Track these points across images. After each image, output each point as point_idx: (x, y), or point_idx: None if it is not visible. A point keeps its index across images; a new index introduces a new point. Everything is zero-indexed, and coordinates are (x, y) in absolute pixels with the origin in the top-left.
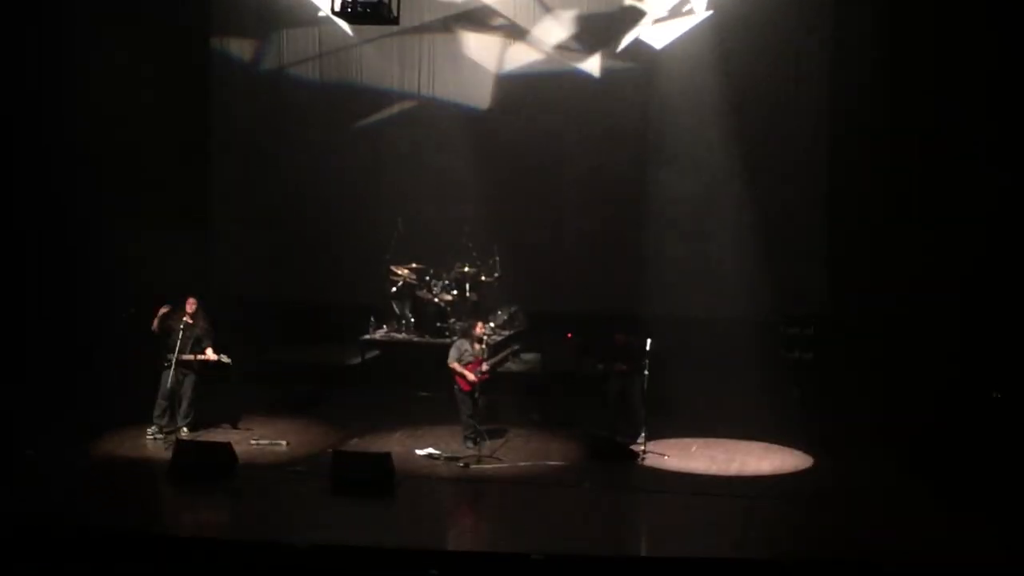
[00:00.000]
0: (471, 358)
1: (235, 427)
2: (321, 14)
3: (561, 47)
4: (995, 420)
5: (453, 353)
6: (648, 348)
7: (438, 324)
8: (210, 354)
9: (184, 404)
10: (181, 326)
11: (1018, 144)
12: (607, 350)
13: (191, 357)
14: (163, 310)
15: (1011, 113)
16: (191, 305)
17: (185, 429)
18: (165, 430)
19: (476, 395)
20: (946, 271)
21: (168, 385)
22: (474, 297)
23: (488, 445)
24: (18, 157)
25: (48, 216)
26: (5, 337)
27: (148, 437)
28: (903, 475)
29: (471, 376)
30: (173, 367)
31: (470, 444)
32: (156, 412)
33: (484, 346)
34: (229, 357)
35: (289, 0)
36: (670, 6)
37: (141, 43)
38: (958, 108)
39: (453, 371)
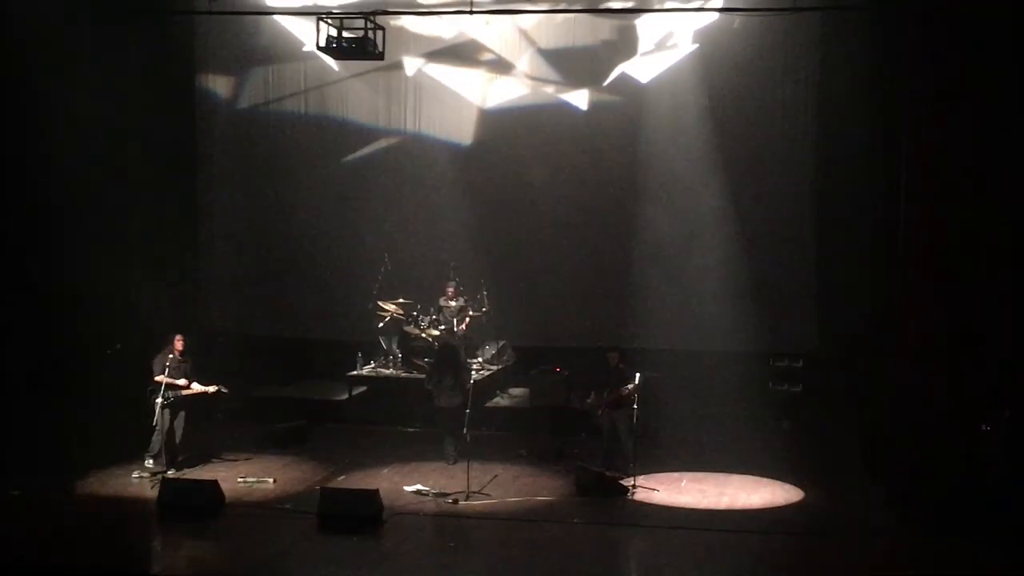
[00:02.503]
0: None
1: (223, 461)
2: (306, 49)
3: (547, 81)
4: (984, 453)
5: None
6: (638, 382)
7: (425, 360)
8: (199, 387)
9: (177, 441)
10: (171, 363)
11: (1008, 178)
12: (600, 374)
13: (187, 391)
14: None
15: (1001, 145)
16: (179, 342)
17: (151, 461)
18: (155, 469)
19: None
20: (935, 304)
21: (165, 422)
22: (462, 332)
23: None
24: (4, 193)
25: (33, 255)
26: None
27: (134, 477)
28: (892, 509)
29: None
30: (163, 404)
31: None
32: (153, 450)
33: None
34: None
35: (274, 36)
36: (656, 40)
37: (125, 82)
38: (947, 141)
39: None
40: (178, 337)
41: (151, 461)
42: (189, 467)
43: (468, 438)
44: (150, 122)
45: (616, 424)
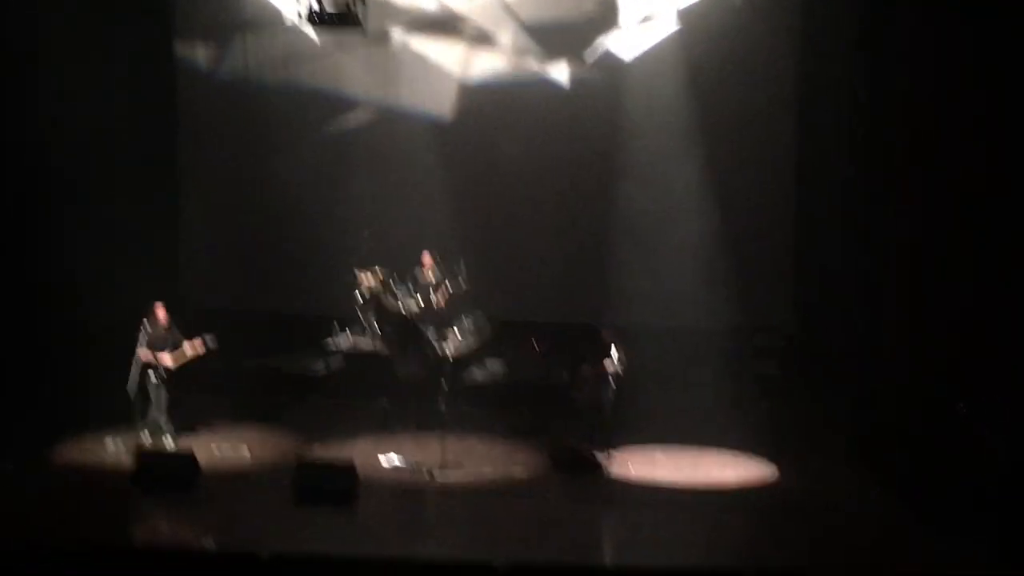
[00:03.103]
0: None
1: (198, 433)
2: (288, 23)
3: (529, 55)
4: (961, 432)
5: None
6: (614, 358)
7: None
8: (187, 348)
9: (163, 415)
10: (154, 336)
11: (996, 157)
12: (589, 348)
13: (175, 362)
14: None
15: (992, 125)
16: (160, 310)
17: (146, 433)
18: (155, 436)
19: None
20: (914, 284)
21: (161, 399)
22: (439, 305)
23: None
24: None
25: (10, 232)
26: None
27: (109, 448)
28: (868, 487)
29: None
30: (156, 383)
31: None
32: (159, 424)
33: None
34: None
35: (254, 7)
36: (639, 16)
37: (105, 52)
38: (934, 120)
39: None
40: (158, 305)
41: (168, 438)
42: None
43: (444, 411)
44: (129, 94)
45: (599, 398)
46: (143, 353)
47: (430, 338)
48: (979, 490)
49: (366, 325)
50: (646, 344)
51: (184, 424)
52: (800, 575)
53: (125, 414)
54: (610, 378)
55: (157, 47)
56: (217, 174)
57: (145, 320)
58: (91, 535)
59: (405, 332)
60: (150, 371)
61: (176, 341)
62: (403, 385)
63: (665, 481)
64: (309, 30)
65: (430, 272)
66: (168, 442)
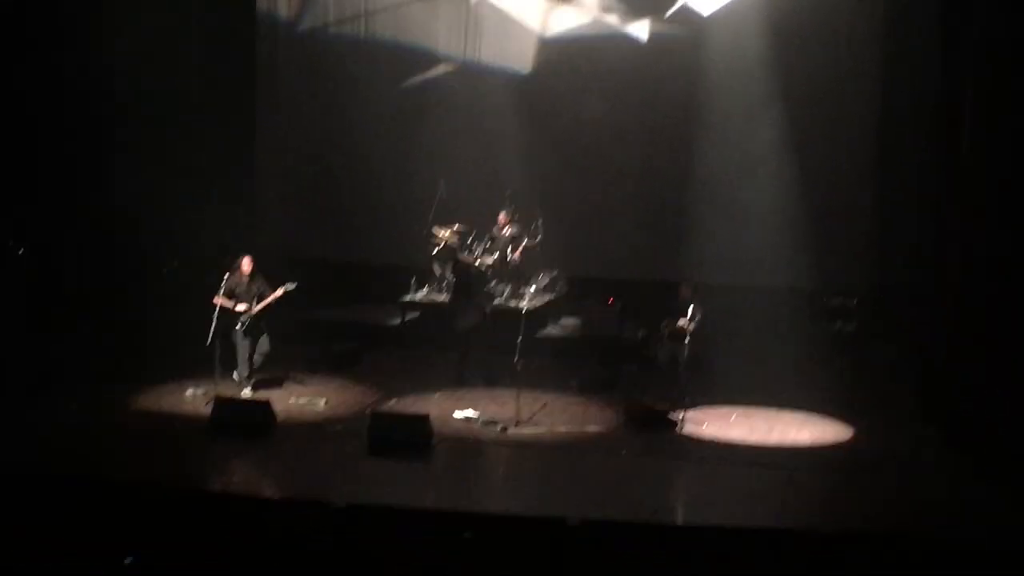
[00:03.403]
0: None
1: (281, 386)
2: None
3: (608, 10)
4: None
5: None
6: (691, 316)
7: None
8: (277, 294)
9: (258, 359)
10: (238, 287)
11: None
12: (665, 306)
13: (260, 309)
14: (218, 300)
15: None
16: (248, 264)
17: (249, 389)
18: (245, 383)
19: None
20: (995, 246)
21: (244, 347)
22: (516, 261)
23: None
24: (65, 115)
25: (91, 176)
26: (45, 291)
27: (188, 395)
28: (944, 447)
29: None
30: (240, 329)
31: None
32: (241, 374)
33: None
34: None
35: None
36: None
37: (185, 4)
38: (1015, 79)
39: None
40: (245, 259)
41: (248, 390)
42: (265, 387)
43: (519, 367)
44: (210, 44)
45: (676, 356)
46: (220, 300)
47: (501, 293)
48: None
49: (442, 279)
50: (722, 302)
51: (263, 373)
52: (873, 535)
53: (206, 362)
54: (685, 336)
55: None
56: (295, 126)
57: (228, 272)
58: (167, 478)
59: (470, 285)
60: (238, 324)
61: (261, 292)
62: (458, 335)
63: (739, 440)
64: None
65: (507, 229)
66: (246, 391)
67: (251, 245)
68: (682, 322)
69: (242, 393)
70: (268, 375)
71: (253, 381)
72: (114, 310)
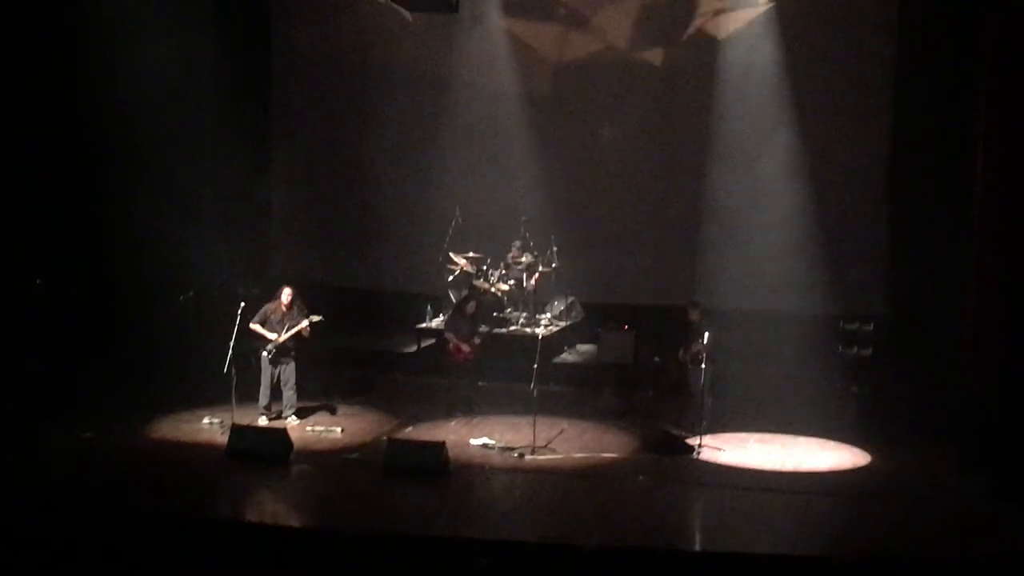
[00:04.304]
0: (464, 332)
1: (333, 414)
2: (383, 1)
3: (622, 35)
4: None
5: (447, 323)
6: (706, 341)
7: (495, 314)
8: (302, 325)
9: (289, 393)
10: (273, 317)
11: None
12: (681, 332)
13: (286, 338)
14: (254, 327)
15: None
16: (287, 295)
17: (294, 418)
18: (271, 417)
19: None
20: (1010, 268)
21: (268, 374)
22: (530, 287)
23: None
24: (82, 146)
25: (102, 203)
26: (61, 319)
27: (205, 423)
28: (960, 474)
29: (464, 348)
30: (267, 357)
31: (458, 414)
32: (262, 402)
33: (472, 323)
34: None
35: None
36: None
37: (199, 24)
38: None
39: (447, 340)
40: (286, 291)
41: (263, 419)
42: (301, 416)
43: (535, 393)
44: (224, 74)
45: (692, 381)
46: (254, 327)
47: (517, 320)
48: None
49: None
50: (737, 328)
51: (303, 402)
52: (890, 561)
53: (223, 391)
54: (701, 362)
55: (252, 23)
56: (309, 153)
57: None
58: (183, 506)
59: (458, 308)
60: (264, 351)
61: (294, 323)
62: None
63: (756, 466)
64: (403, 11)
65: (523, 256)
66: (263, 420)
67: (263, 273)
68: (697, 347)
69: (259, 421)
70: (304, 404)
71: (283, 412)
72: (130, 339)
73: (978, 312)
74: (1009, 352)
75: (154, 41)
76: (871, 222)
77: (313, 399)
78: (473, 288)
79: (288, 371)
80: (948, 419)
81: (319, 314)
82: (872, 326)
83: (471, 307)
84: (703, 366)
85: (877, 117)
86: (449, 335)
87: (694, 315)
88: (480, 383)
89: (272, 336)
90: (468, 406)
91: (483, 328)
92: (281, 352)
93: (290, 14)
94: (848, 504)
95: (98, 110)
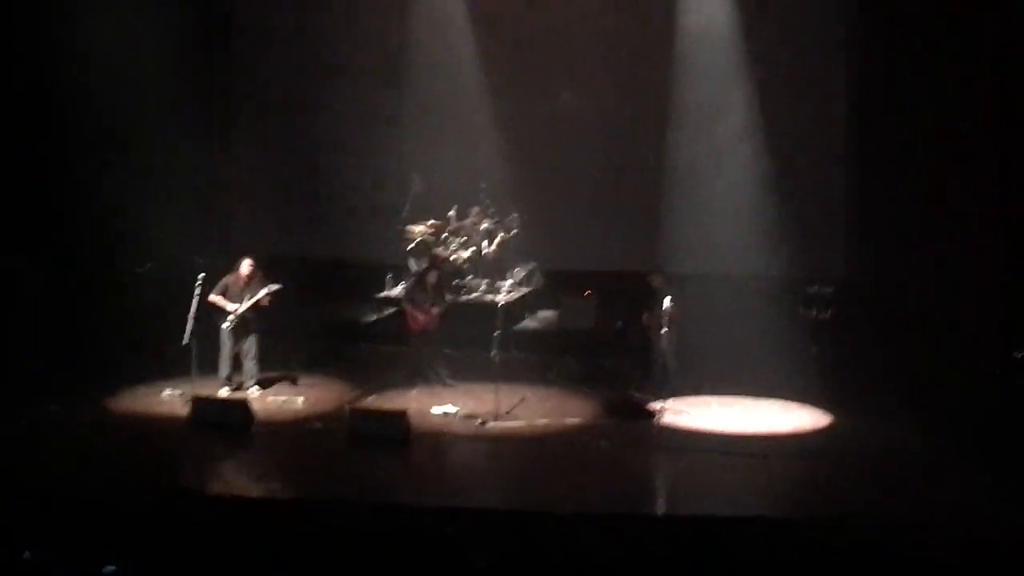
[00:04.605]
0: (422, 302)
1: (294, 384)
2: None
3: (580, 1)
4: (1017, 380)
5: (406, 295)
6: (668, 306)
7: (455, 282)
8: (260, 295)
9: (250, 364)
10: (231, 290)
11: None
12: (642, 297)
13: (246, 309)
14: (214, 299)
15: None
16: (247, 266)
17: (255, 389)
18: (232, 388)
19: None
20: (968, 231)
21: (227, 346)
22: (491, 254)
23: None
24: (30, 115)
25: (61, 175)
26: (19, 292)
27: (165, 395)
28: (921, 434)
29: (420, 317)
30: (228, 328)
31: (449, 383)
32: (222, 373)
33: (433, 295)
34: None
35: None
36: None
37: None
38: (991, 64)
39: (404, 311)
40: (246, 262)
41: (225, 390)
42: (262, 387)
43: (496, 360)
44: (182, 43)
45: (655, 345)
46: (213, 299)
47: (477, 287)
48: None
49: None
50: (699, 292)
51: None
52: (851, 522)
53: (183, 363)
54: (663, 326)
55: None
56: (268, 124)
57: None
58: (145, 477)
59: (419, 279)
60: (225, 323)
61: (254, 294)
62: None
63: (718, 429)
64: None
65: (482, 223)
66: (224, 390)
67: (222, 245)
68: (659, 312)
69: (220, 392)
70: (265, 375)
71: (244, 383)
72: (89, 311)
73: (936, 274)
74: (967, 314)
75: (113, 16)
76: (830, 185)
77: (274, 370)
78: (434, 257)
79: (249, 342)
80: (907, 380)
81: (278, 283)
82: (832, 288)
83: (432, 277)
84: (664, 330)
85: (835, 79)
86: (407, 306)
87: (657, 281)
88: (446, 351)
89: (232, 308)
90: (439, 378)
91: (448, 297)
92: (242, 323)
93: None
94: (810, 466)
95: (55, 86)
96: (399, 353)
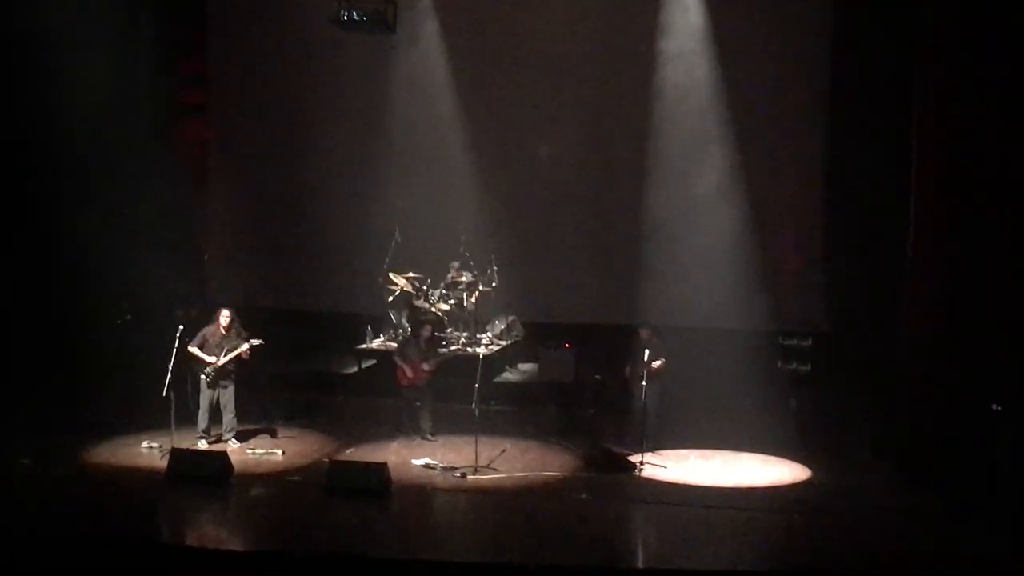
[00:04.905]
0: (415, 357)
1: (273, 436)
2: (318, 22)
3: (559, 56)
4: (993, 432)
5: (397, 348)
6: (652, 359)
7: (435, 334)
8: (241, 349)
9: (228, 416)
10: (211, 341)
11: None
12: (622, 350)
13: (226, 362)
14: (192, 351)
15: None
16: (226, 318)
17: (234, 441)
18: (210, 440)
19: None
20: (944, 283)
21: (206, 398)
22: (471, 307)
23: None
24: (5, 160)
25: (42, 227)
26: None
27: (144, 447)
28: (899, 487)
29: (408, 372)
30: (206, 381)
31: (429, 438)
32: (200, 425)
33: (426, 349)
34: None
35: (286, 8)
36: (667, 15)
37: (134, 54)
38: (962, 115)
39: (394, 364)
40: (224, 313)
41: (202, 442)
42: (241, 439)
43: (477, 413)
44: (161, 89)
45: (635, 398)
46: (191, 351)
47: (458, 339)
48: (1011, 488)
49: (398, 326)
50: (678, 345)
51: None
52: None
53: (161, 416)
54: (642, 379)
55: (188, 45)
56: (246, 174)
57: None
58: (123, 530)
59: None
60: (202, 374)
61: (233, 346)
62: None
63: (698, 482)
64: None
65: (462, 275)
66: (202, 443)
67: (201, 297)
68: (639, 365)
69: (198, 444)
70: (244, 427)
71: (222, 435)
72: (68, 362)
73: (913, 328)
74: (943, 367)
75: (91, 60)
76: (808, 239)
77: (253, 422)
78: (425, 312)
79: (227, 394)
80: (886, 434)
81: (258, 336)
82: (810, 342)
83: (427, 331)
84: (644, 383)
85: (812, 134)
86: (398, 359)
87: (644, 334)
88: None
89: (211, 360)
90: (421, 432)
91: (443, 349)
92: (220, 375)
93: (227, 33)
94: (789, 519)
95: (33, 129)
96: (379, 405)
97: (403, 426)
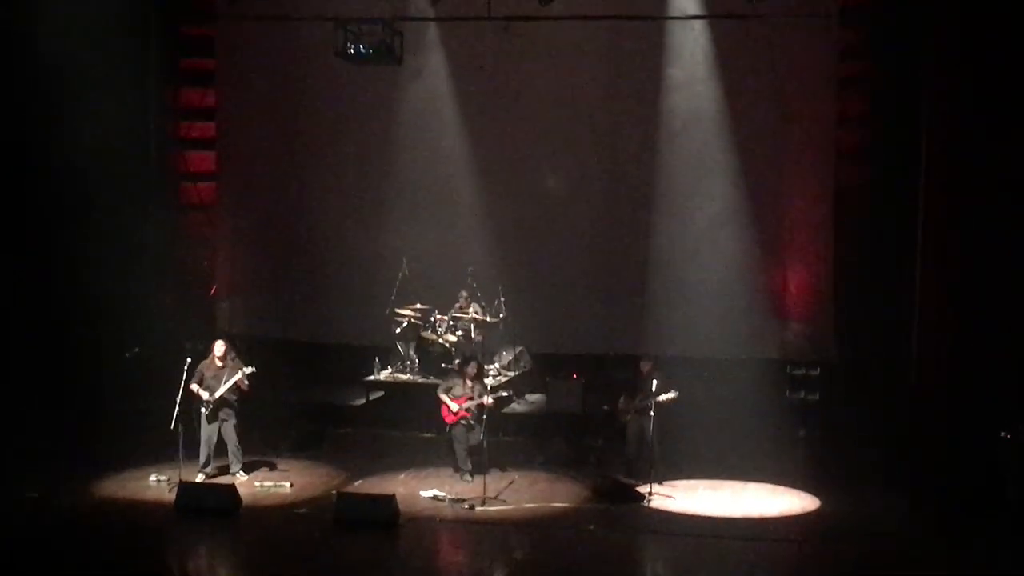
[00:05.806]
0: (460, 393)
1: (282, 469)
2: (325, 56)
3: (564, 88)
4: (1002, 460)
5: (443, 384)
6: (655, 389)
7: (443, 365)
8: (236, 378)
9: (233, 449)
10: (209, 373)
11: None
12: (629, 380)
13: (222, 393)
14: (193, 387)
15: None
16: (220, 348)
17: (242, 473)
18: (211, 475)
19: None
20: (953, 311)
21: (208, 432)
22: (479, 338)
23: (472, 480)
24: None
25: (50, 261)
26: (4, 376)
27: (152, 480)
28: (909, 516)
29: (453, 407)
30: (206, 415)
31: (467, 478)
32: (202, 461)
33: (472, 385)
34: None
35: (293, 41)
36: (674, 48)
37: (145, 90)
38: (968, 151)
39: (438, 400)
40: (218, 344)
41: (201, 475)
42: (249, 471)
43: (484, 444)
44: (168, 122)
45: (644, 430)
46: (194, 387)
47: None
48: (1020, 513)
49: (406, 358)
50: (686, 375)
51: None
52: None
53: (169, 449)
54: (650, 409)
55: (197, 78)
56: (253, 205)
57: (203, 360)
58: (132, 565)
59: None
60: (202, 408)
61: (229, 377)
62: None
63: (706, 512)
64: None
65: (469, 306)
66: (200, 476)
67: (209, 329)
68: (646, 395)
69: (196, 479)
70: (252, 459)
71: (230, 468)
72: (75, 396)
73: (922, 357)
74: (952, 395)
75: (95, 92)
76: (815, 267)
77: (261, 454)
78: (432, 343)
79: (228, 427)
80: (895, 463)
81: (264, 367)
82: (819, 371)
83: (472, 369)
84: (651, 414)
85: (820, 164)
86: (441, 395)
87: (646, 367)
88: (427, 434)
89: (206, 396)
90: (463, 471)
91: (492, 383)
92: (220, 407)
93: (235, 64)
94: (798, 549)
95: (39, 163)
96: (388, 438)
97: (443, 457)
